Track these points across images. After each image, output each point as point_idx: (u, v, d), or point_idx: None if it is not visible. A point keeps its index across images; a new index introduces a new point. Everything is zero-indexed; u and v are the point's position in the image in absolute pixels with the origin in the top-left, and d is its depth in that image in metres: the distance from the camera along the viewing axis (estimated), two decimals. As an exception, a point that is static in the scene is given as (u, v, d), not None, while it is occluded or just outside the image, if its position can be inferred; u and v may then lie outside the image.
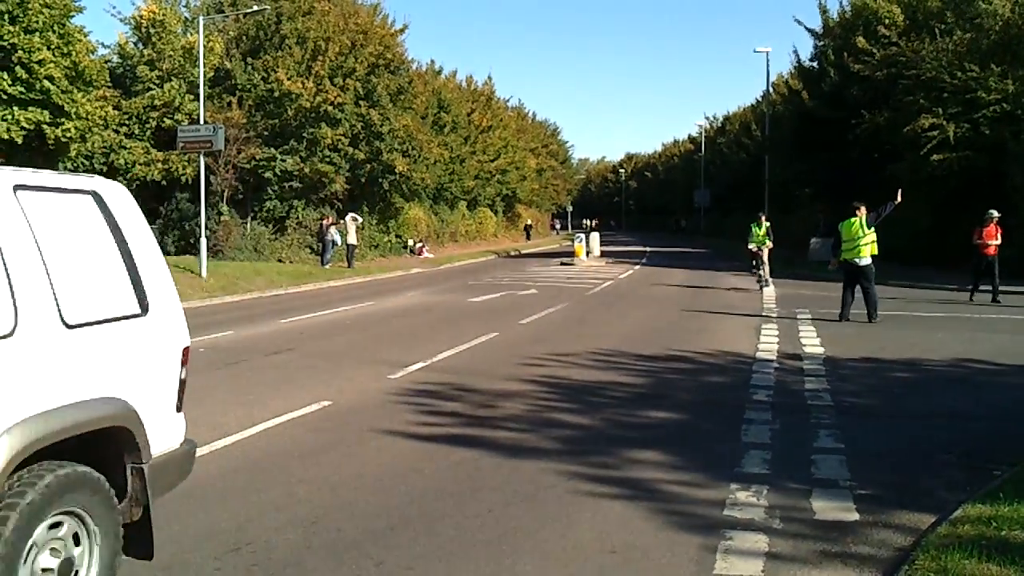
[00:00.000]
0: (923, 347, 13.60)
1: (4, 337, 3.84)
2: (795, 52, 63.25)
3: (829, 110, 37.31)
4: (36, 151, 28.10)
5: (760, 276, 24.73)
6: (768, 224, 25.49)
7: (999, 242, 21.14)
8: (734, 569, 5.17)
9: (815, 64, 42.27)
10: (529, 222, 78.89)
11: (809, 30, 41.53)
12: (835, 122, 35.89)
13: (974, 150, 28.68)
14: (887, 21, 34.24)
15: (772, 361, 12.44)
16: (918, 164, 29.19)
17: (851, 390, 10.41)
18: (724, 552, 5.41)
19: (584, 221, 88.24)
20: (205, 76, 29.43)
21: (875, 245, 16.78)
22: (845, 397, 9.91)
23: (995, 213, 21.17)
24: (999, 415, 9.11)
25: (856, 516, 6.03)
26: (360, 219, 37.08)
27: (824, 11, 40.67)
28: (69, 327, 4.20)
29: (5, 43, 25.49)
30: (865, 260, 16.65)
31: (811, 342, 14.17)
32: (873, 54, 33.56)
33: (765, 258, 24.77)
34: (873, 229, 16.64)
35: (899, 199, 17.34)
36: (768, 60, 47.38)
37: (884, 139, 32.46)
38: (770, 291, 23.78)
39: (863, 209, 16.78)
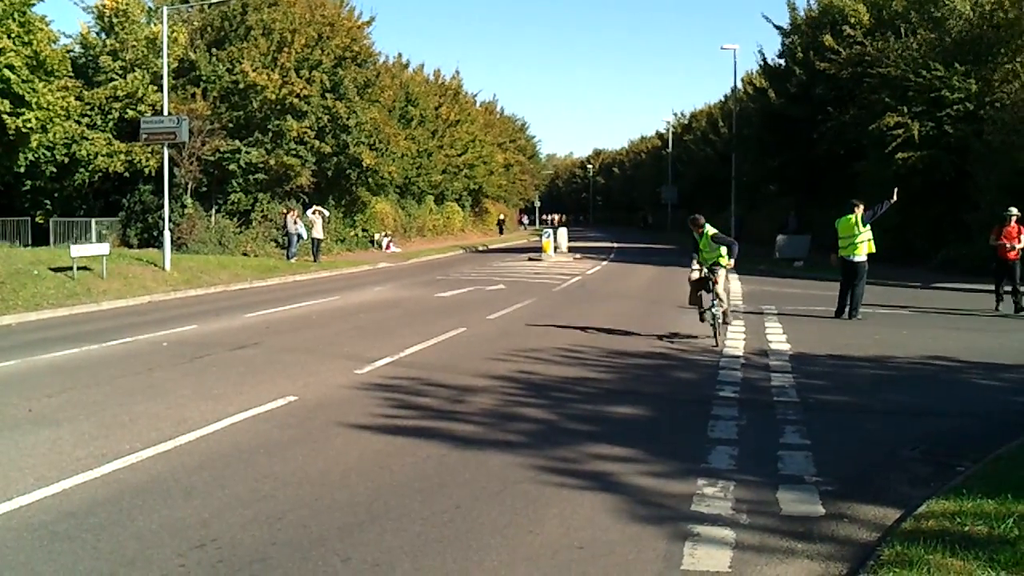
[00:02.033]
0: (888, 344, 13.73)
1: None
2: (760, 51, 63.92)
3: (795, 108, 37.64)
4: (-4, 141, 27.70)
5: (711, 314, 13.92)
6: (716, 231, 14.25)
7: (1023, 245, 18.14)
8: (701, 564, 5.18)
9: (782, 62, 42.59)
10: (502, 217, 79.15)
11: (777, 27, 41.95)
12: (801, 120, 36.23)
13: (938, 149, 29.04)
14: (853, 20, 34.59)
15: (739, 357, 12.51)
16: (883, 162, 29.50)
17: (817, 386, 10.48)
18: (691, 547, 5.42)
19: (547, 217, 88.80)
20: (169, 67, 29.05)
21: (872, 243, 16.88)
22: (811, 393, 9.97)
23: (1015, 210, 18.52)
24: (963, 412, 9.21)
25: (822, 511, 6.07)
26: (327, 213, 36.83)
27: (793, 8, 41.04)
28: None
29: (-36, 31, 25.10)
30: (860, 257, 16.74)
31: (777, 339, 14.25)
32: (839, 52, 33.88)
33: (720, 284, 14.04)
34: (868, 227, 16.77)
35: (895, 198, 17.42)
36: (735, 58, 47.36)
37: (850, 137, 32.79)
38: (736, 288, 23.83)
39: (861, 207, 16.86)
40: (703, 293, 14.20)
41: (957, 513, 5.63)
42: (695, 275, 14.27)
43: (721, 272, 13.81)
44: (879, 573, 4.79)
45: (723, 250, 13.88)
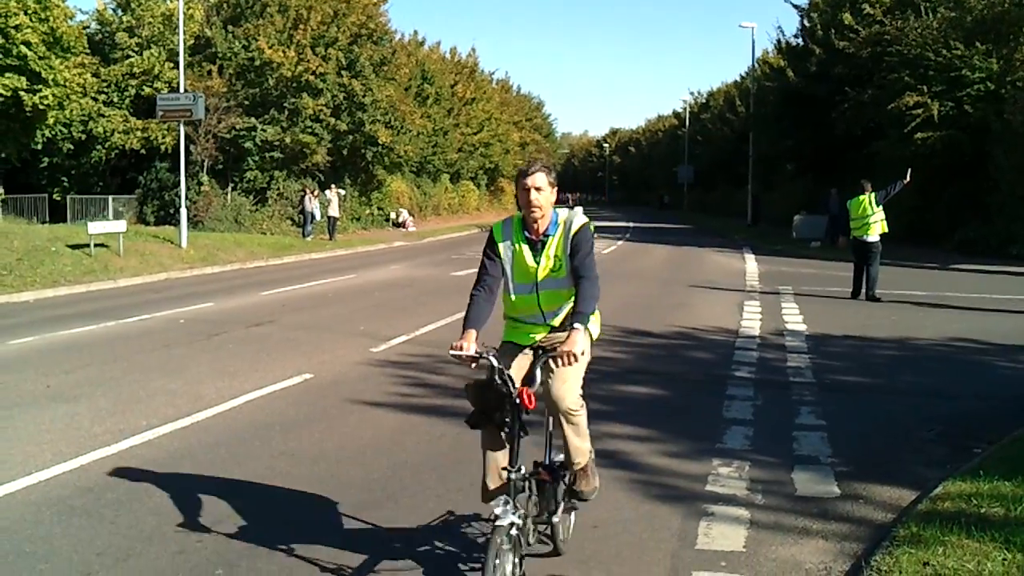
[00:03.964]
0: (906, 325, 13.65)
1: None
2: (779, 29, 63.36)
3: (813, 87, 37.32)
4: (13, 118, 27.81)
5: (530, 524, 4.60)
6: (592, 231, 4.82)
7: None
8: (716, 543, 5.18)
9: (800, 41, 42.25)
10: None
11: (795, 6, 41.55)
12: (819, 99, 35.92)
13: (958, 129, 28.79)
14: (872, -1, 34.26)
15: (755, 338, 12.46)
16: (902, 142, 29.26)
17: (833, 367, 10.45)
18: (706, 526, 5.43)
19: (567, 195, 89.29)
20: (185, 44, 29.04)
21: (885, 223, 16.87)
22: (827, 374, 9.95)
23: None
24: (980, 393, 9.16)
25: (837, 491, 6.06)
26: (344, 192, 36.87)
27: (812, -13, 40.70)
28: None
29: (-20, 8, 25.17)
30: (873, 237, 16.70)
31: (794, 319, 14.20)
32: (858, 31, 33.58)
33: (571, 400, 4.53)
34: (881, 207, 16.74)
35: (908, 179, 17.42)
36: (753, 36, 47.24)
37: (868, 116, 32.51)
38: (752, 268, 23.71)
39: (868, 187, 16.83)
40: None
41: (973, 494, 5.60)
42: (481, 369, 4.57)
43: (581, 353, 4.40)
44: (894, 553, 4.78)
45: (576, 294, 4.79)
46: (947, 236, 29.12)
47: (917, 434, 7.51)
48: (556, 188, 4.74)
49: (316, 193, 34.51)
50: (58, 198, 32.83)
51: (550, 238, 4.76)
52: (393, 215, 44.82)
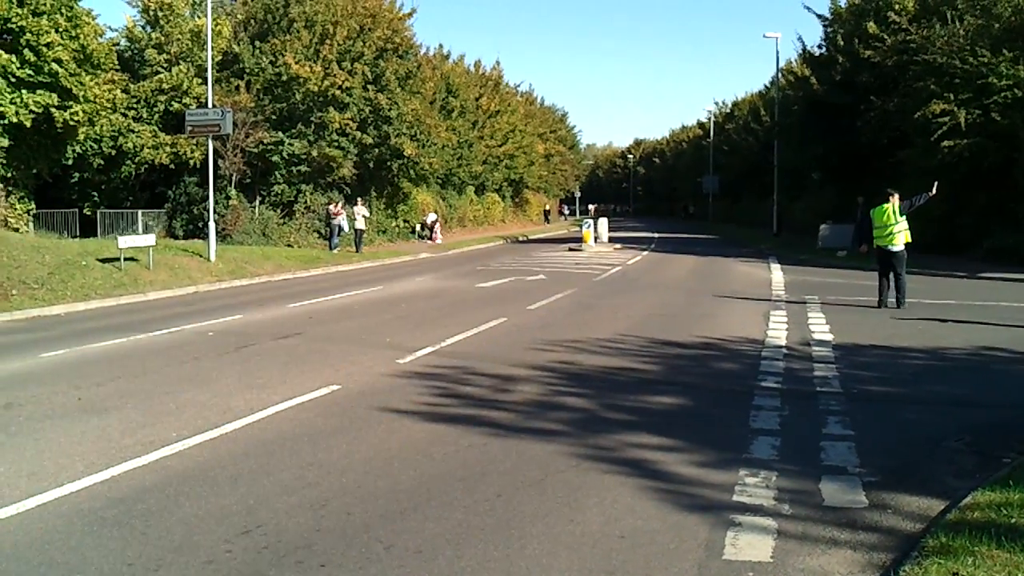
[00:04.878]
0: (933, 334, 13.55)
1: None
2: (800, 39, 63.16)
3: (839, 96, 37.16)
4: (45, 134, 28.18)
5: None
6: None
7: None
8: (743, 554, 5.17)
9: (824, 50, 42.11)
10: (547, 207, 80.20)
11: (819, 16, 41.42)
12: (844, 108, 35.77)
13: (985, 136, 28.51)
14: (897, 7, 34.09)
15: (781, 348, 12.40)
16: (928, 150, 29.04)
17: (861, 377, 10.37)
18: (733, 536, 5.41)
19: (597, 206, 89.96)
20: (213, 59, 29.35)
21: (908, 233, 16.84)
22: (855, 384, 9.88)
23: None
24: (1009, 403, 9.07)
25: (865, 502, 6.03)
26: (368, 213, 37.11)
27: (835, -3, 40.64)
28: None
29: (13, 25, 25.56)
30: (897, 247, 16.69)
31: (820, 329, 14.12)
32: (883, 40, 33.41)
33: None
34: (905, 217, 16.71)
35: (934, 191, 17.43)
36: (777, 46, 47.15)
37: (894, 125, 32.30)
38: (778, 278, 23.60)
39: (896, 197, 16.80)
40: None
41: (1003, 504, 5.56)
42: None
43: None
44: (923, 564, 4.76)
45: None
46: (975, 244, 28.86)
47: (946, 444, 7.46)
48: None
49: (342, 206, 34.74)
50: (88, 213, 33.20)
51: None
52: (418, 226, 44.91)
